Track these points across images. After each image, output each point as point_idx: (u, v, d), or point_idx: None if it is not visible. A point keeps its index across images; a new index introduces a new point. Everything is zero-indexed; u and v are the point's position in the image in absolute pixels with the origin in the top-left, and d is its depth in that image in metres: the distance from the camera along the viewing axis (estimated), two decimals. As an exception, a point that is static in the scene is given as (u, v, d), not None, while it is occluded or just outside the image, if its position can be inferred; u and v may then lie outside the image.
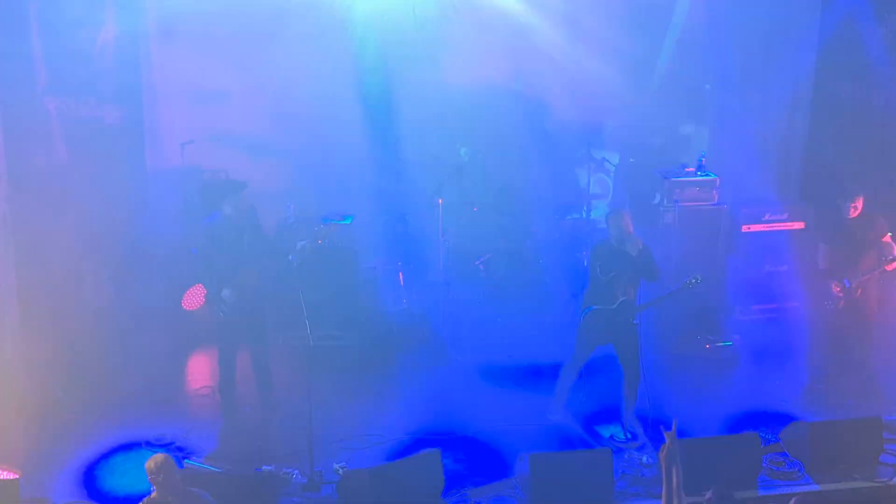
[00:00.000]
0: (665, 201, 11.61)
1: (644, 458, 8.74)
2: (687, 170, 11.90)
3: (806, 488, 8.41)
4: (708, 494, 6.78)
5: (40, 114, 11.53)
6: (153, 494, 6.83)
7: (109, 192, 11.74)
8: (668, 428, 6.57)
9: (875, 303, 10.33)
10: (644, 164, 12.61)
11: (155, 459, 6.87)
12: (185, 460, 8.38)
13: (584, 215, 12.42)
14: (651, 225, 11.59)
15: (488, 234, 12.22)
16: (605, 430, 9.39)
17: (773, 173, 13.00)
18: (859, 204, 10.08)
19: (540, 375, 10.32)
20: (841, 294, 10.21)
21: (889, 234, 10.16)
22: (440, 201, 11.31)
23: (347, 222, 11.43)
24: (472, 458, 8.81)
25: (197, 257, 9.30)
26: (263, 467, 8.35)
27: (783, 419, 9.49)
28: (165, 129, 12.01)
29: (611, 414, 9.55)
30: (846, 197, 10.08)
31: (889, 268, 10.08)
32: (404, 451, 8.72)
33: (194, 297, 9.47)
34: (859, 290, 10.19)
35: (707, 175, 11.82)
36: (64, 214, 11.81)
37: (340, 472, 8.42)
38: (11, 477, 7.65)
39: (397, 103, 12.47)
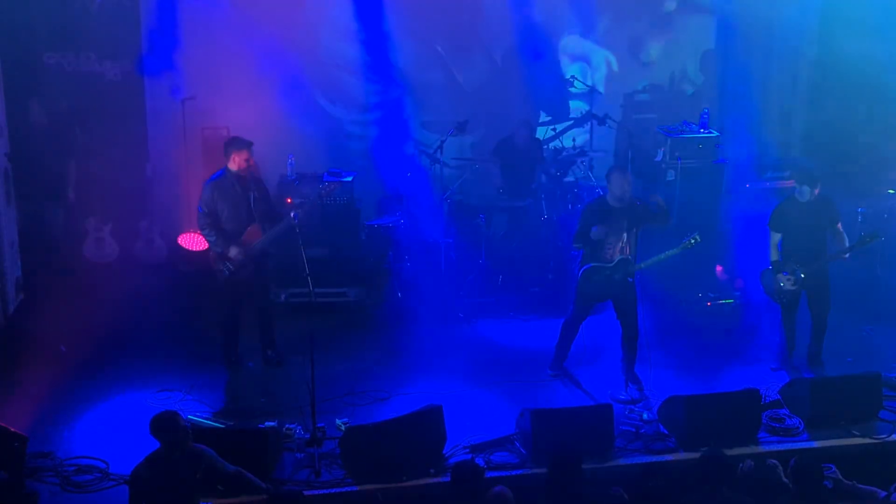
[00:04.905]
0: (667, 158, 11.58)
1: (644, 415, 8.76)
2: (689, 127, 11.86)
3: (805, 444, 8.46)
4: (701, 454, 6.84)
5: (40, 69, 11.50)
6: (158, 450, 6.88)
7: (110, 148, 11.74)
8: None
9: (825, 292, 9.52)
10: (647, 120, 12.56)
11: (160, 415, 6.92)
12: (189, 416, 8.42)
13: (587, 172, 12.37)
14: (653, 182, 11.57)
15: (490, 191, 12.18)
16: (606, 387, 9.42)
17: (776, 131, 12.97)
18: (818, 186, 9.26)
19: (541, 332, 10.35)
20: (794, 287, 9.44)
21: (840, 222, 9.41)
22: (441, 158, 11.27)
23: (349, 180, 11.41)
24: (474, 413, 8.83)
25: (203, 216, 9.21)
26: (266, 423, 8.39)
27: (783, 375, 9.54)
28: (165, 84, 11.94)
29: (611, 370, 9.58)
30: (806, 178, 9.26)
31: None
32: (406, 406, 8.74)
33: (194, 239, 9.28)
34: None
35: (709, 132, 11.78)
36: (65, 170, 11.83)
37: (343, 427, 8.46)
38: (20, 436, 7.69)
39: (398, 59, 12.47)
